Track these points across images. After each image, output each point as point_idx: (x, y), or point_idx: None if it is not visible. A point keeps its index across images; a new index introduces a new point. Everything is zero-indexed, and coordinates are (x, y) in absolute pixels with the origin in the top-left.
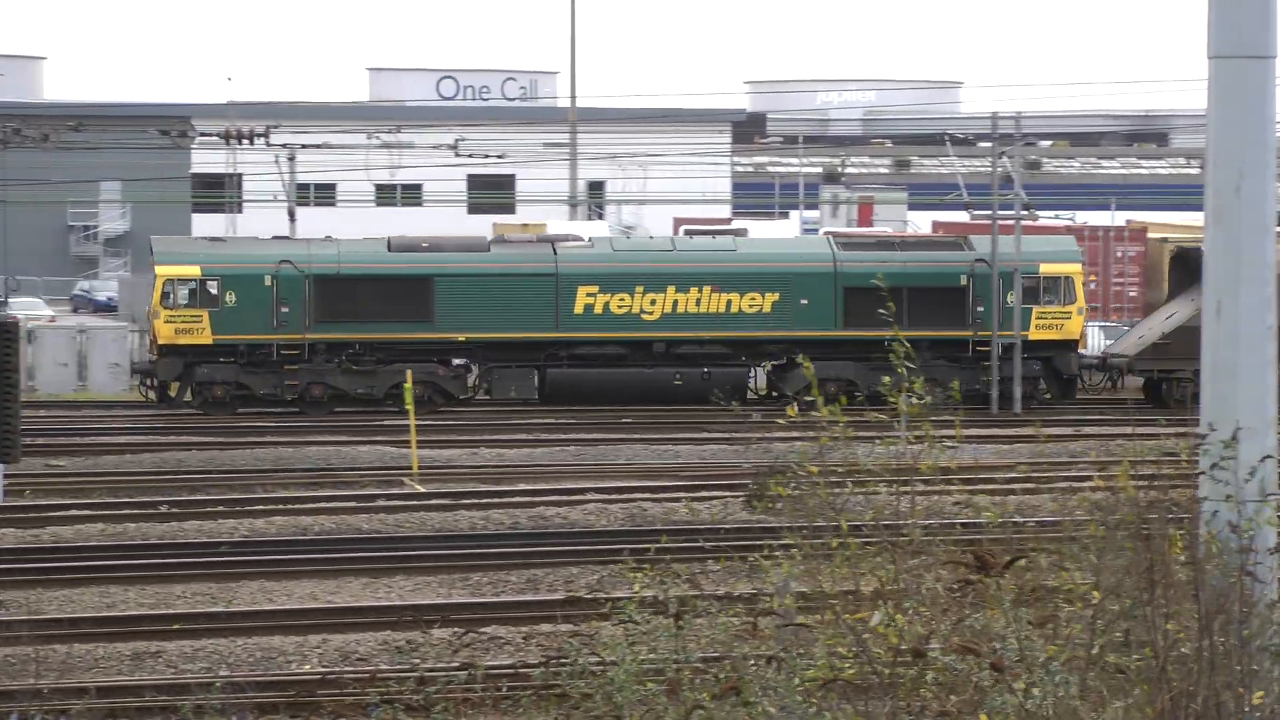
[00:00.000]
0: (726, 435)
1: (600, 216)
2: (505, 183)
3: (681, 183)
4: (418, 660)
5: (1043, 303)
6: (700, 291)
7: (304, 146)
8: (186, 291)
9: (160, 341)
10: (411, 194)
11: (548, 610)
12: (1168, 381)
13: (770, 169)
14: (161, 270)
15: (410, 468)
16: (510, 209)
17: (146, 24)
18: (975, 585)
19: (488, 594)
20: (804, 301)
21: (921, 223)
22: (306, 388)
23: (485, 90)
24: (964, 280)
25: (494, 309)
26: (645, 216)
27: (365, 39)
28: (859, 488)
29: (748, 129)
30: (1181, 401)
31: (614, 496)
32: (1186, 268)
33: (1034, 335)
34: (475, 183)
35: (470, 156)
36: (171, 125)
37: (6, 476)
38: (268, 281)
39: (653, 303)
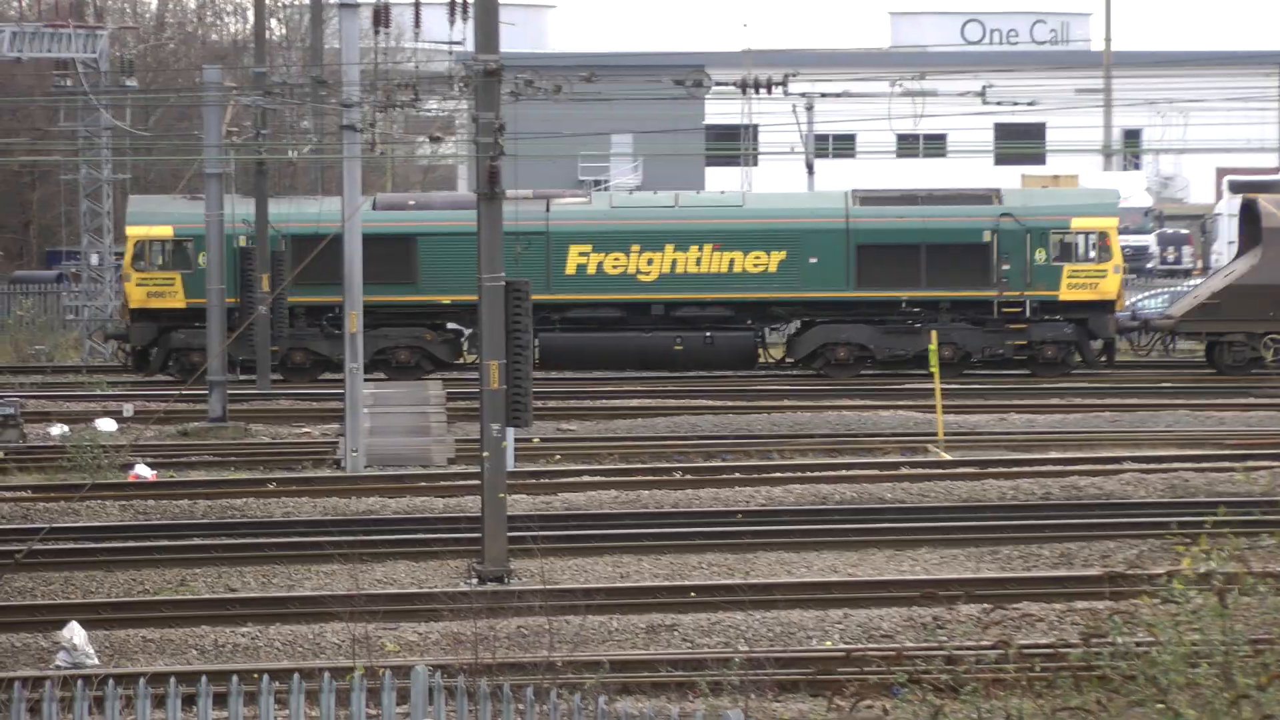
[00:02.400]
0: (1275, 401)
1: (1136, 167)
2: (1034, 131)
3: (1225, 130)
4: (945, 638)
5: (1075, 260)
6: (701, 250)
7: (823, 95)
8: (159, 253)
9: (132, 305)
10: (935, 145)
11: (1084, 586)
12: (1219, 345)
13: None
14: (133, 231)
15: (935, 434)
16: (1040, 159)
17: None
18: None
19: (1018, 568)
20: (813, 260)
21: None
22: (288, 354)
23: (1013, 34)
24: (988, 236)
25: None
26: (1184, 166)
27: None
28: None
29: None
30: (1237, 367)
31: (1153, 466)
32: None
33: (1065, 295)
34: (1003, 132)
35: (998, 104)
36: (685, 75)
37: (518, 441)
38: (243, 242)
39: (650, 262)
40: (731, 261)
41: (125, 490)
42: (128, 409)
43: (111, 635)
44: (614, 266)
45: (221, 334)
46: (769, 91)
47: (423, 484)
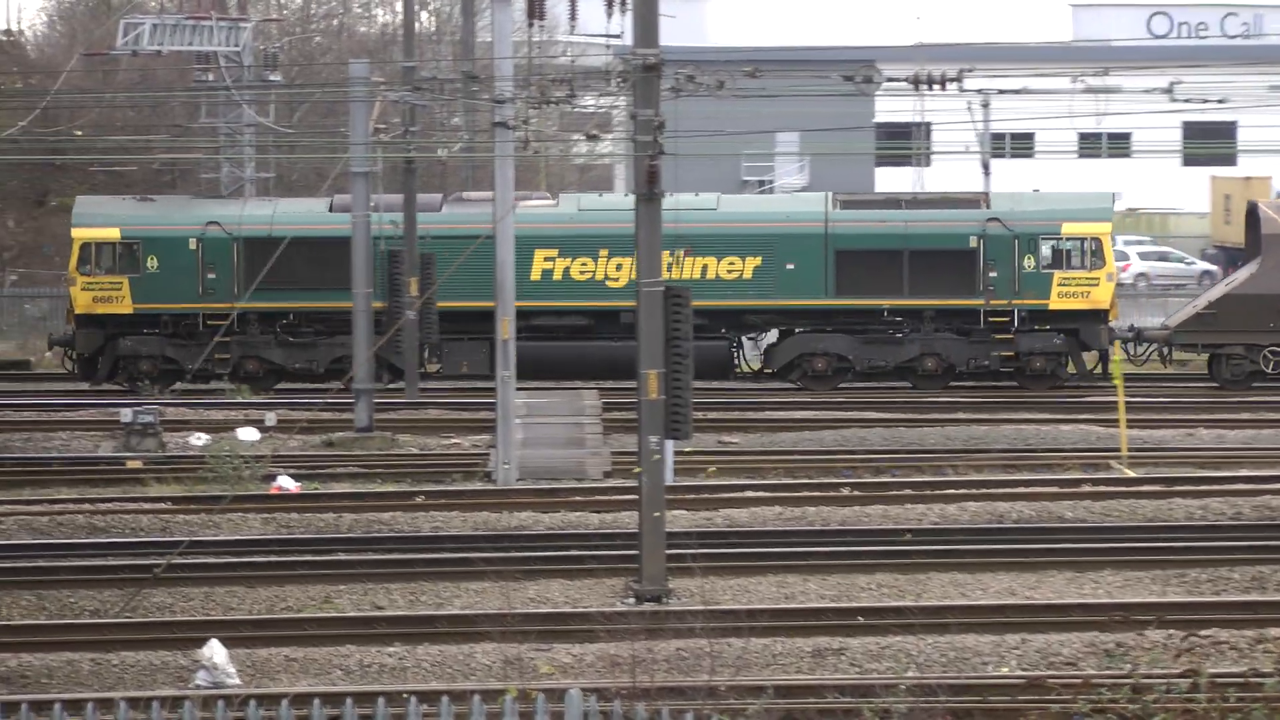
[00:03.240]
0: None
1: None
2: (1225, 131)
3: None
4: (1130, 665)
5: (1066, 267)
6: (672, 255)
7: (1000, 92)
8: (106, 256)
9: (78, 311)
10: (1119, 144)
11: (1278, 612)
12: (1218, 357)
13: None
14: (78, 233)
15: (1119, 449)
16: (1230, 160)
17: None
18: None
19: (1207, 592)
20: (790, 266)
21: None
22: (240, 362)
23: (1202, 27)
24: (974, 242)
25: (442, 275)
26: None
27: None
28: None
29: None
30: (1236, 380)
31: None
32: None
33: (1055, 304)
34: (1191, 131)
35: (1186, 102)
36: (855, 70)
37: (679, 454)
38: (193, 245)
39: (618, 268)
40: (705, 267)
41: (267, 503)
42: (270, 418)
43: (253, 654)
44: (581, 272)
45: (368, 339)
46: (943, 88)
47: (577, 498)
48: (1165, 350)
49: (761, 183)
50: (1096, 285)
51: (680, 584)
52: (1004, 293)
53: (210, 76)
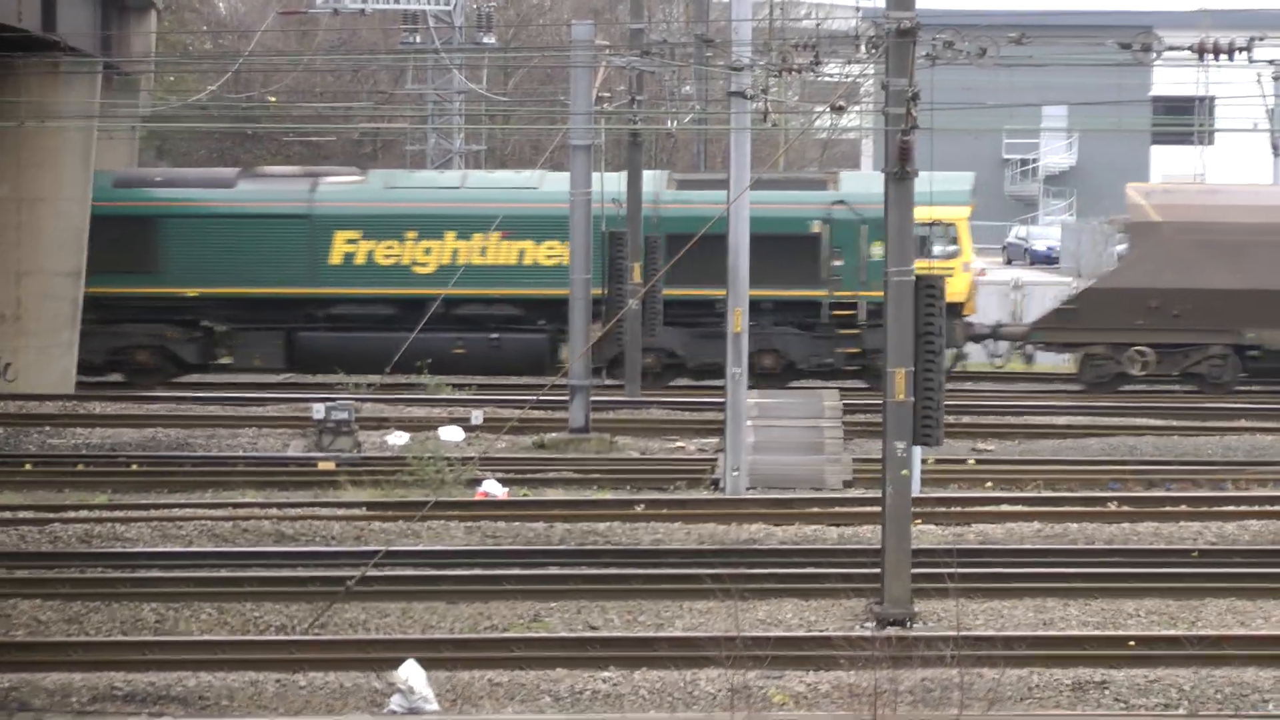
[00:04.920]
0: None
1: None
2: None
3: None
4: None
5: (919, 256)
6: (487, 239)
7: None
8: None
9: None
10: None
11: None
12: (1081, 357)
13: None
14: None
15: None
16: None
17: None
18: None
19: None
20: None
21: None
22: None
23: None
24: (817, 227)
25: (233, 259)
26: None
27: None
28: None
29: None
30: (1101, 383)
31: None
32: None
33: None
34: None
35: None
36: (1131, 38)
37: (938, 461)
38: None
39: (427, 252)
40: (522, 252)
41: (472, 510)
42: (476, 416)
43: (454, 677)
44: (386, 256)
45: (585, 332)
46: (1229, 57)
47: (814, 509)
48: (1028, 350)
49: (1024, 161)
50: (951, 275)
51: (926, 606)
52: (849, 283)
53: (418, 38)
